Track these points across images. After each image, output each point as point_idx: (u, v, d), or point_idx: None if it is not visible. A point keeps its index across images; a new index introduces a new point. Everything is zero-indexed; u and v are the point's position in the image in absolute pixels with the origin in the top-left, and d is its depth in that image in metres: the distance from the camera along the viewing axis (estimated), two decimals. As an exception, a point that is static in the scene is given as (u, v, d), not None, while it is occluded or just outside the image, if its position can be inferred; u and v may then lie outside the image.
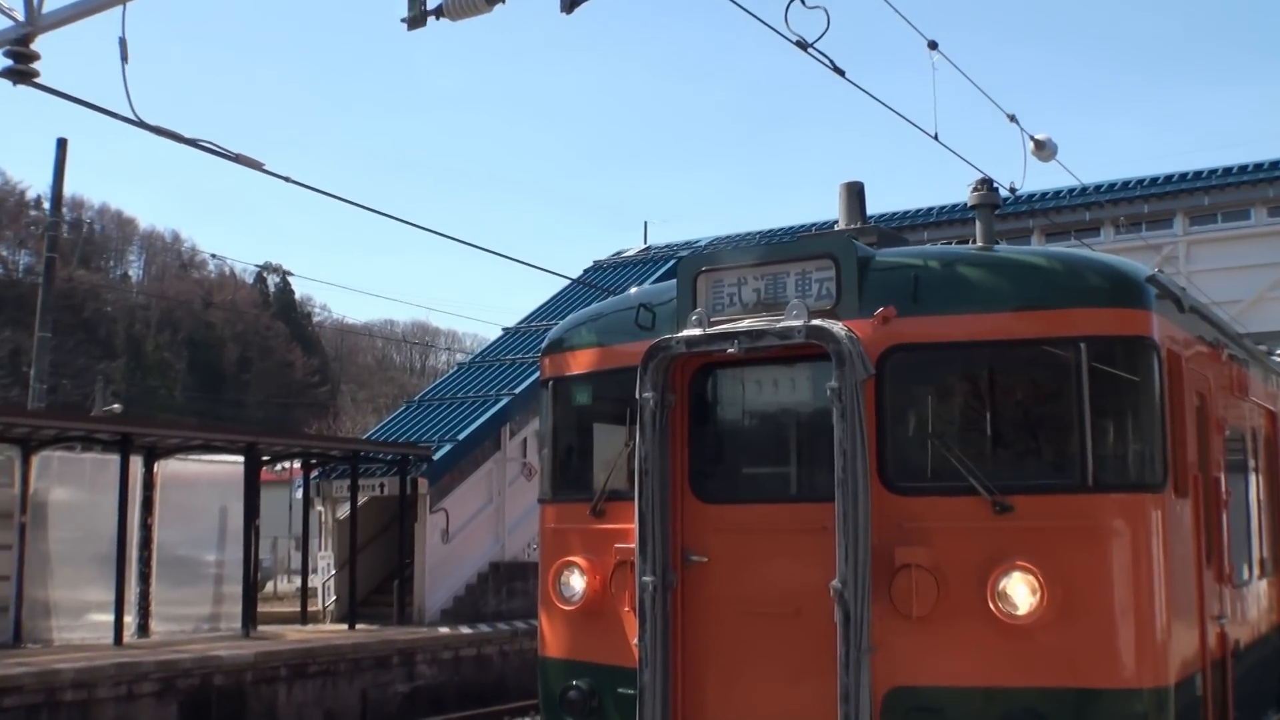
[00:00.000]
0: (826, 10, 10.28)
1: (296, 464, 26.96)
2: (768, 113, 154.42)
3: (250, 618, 21.43)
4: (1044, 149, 16.26)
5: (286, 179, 11.87)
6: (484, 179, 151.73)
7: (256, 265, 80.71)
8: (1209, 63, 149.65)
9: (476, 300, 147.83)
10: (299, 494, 27.07)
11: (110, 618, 19.40)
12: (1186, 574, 7.77)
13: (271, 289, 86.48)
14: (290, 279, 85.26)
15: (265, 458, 23.38)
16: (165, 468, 21.74)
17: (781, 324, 7.77)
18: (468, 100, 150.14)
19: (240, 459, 22.02)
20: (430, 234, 14.91)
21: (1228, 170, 28.85)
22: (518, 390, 26.66)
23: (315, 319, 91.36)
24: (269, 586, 36.49)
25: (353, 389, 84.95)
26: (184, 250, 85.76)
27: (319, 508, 26.18)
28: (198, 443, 22.02)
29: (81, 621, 20.14)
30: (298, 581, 28.17)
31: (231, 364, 77.55)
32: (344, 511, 25.44)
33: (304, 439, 30.30)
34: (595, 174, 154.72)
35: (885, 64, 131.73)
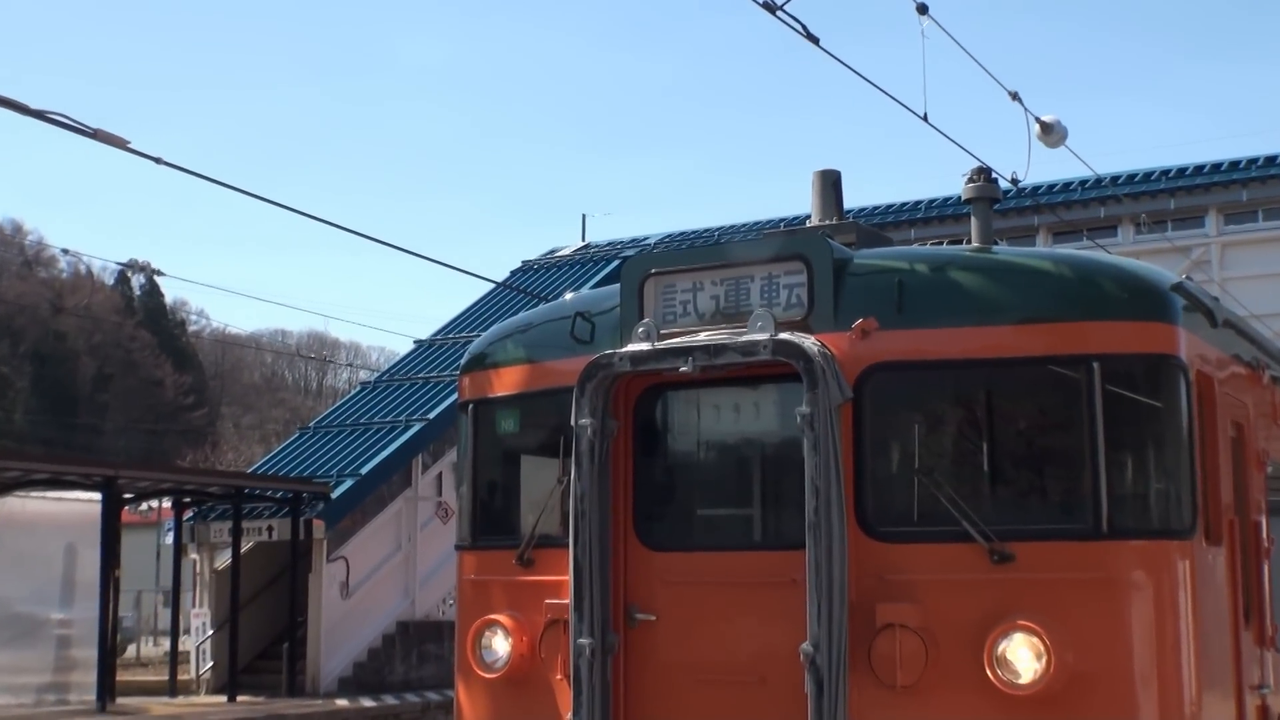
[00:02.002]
0: (799, -33, 10.39)
1: (166, 503, 26.70)
2: (728, 88, 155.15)
3: (107, 688, 21.15)
4: (1052, 133, 16.43)
5: (157, 160, 11.81)
6: (394, 164, 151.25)
7: (119, 263, 79.93)
8: (1246, 36, 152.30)
9: (384, 307, 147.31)
10: (169, 539, 26.79)
11: (-66, 688, 19.08)
12: (1220, 636, 7.86)
13: (137, 292, 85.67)
14: (160, 280, 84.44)
15: (128, 495, 23.13)
16: (3, 506, 21.43)
17: (744, 337, 7.80)
18: (372, 73, 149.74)
19: (96, 496, 21.76)
20: (329, 227, 14.82)
21: (1270, 160, 29.28)
22: (432, 415, 26.59)
23: (190, 328, 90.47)
24: (131, 650, 36.04)
25: (235, 413, 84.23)
26: (28, 245, 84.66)
27: (193, 555, 25.95)
28: (44, 476, 21.74)
29: (-102, 693, 19.78)
30: (166, 645, 27.84)
31: (87, 382, 76.60)
32: (223, 560, 25.23)
33: (175, 472, 29.99)
34: (524, 159, 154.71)
35: (867, 31, 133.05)
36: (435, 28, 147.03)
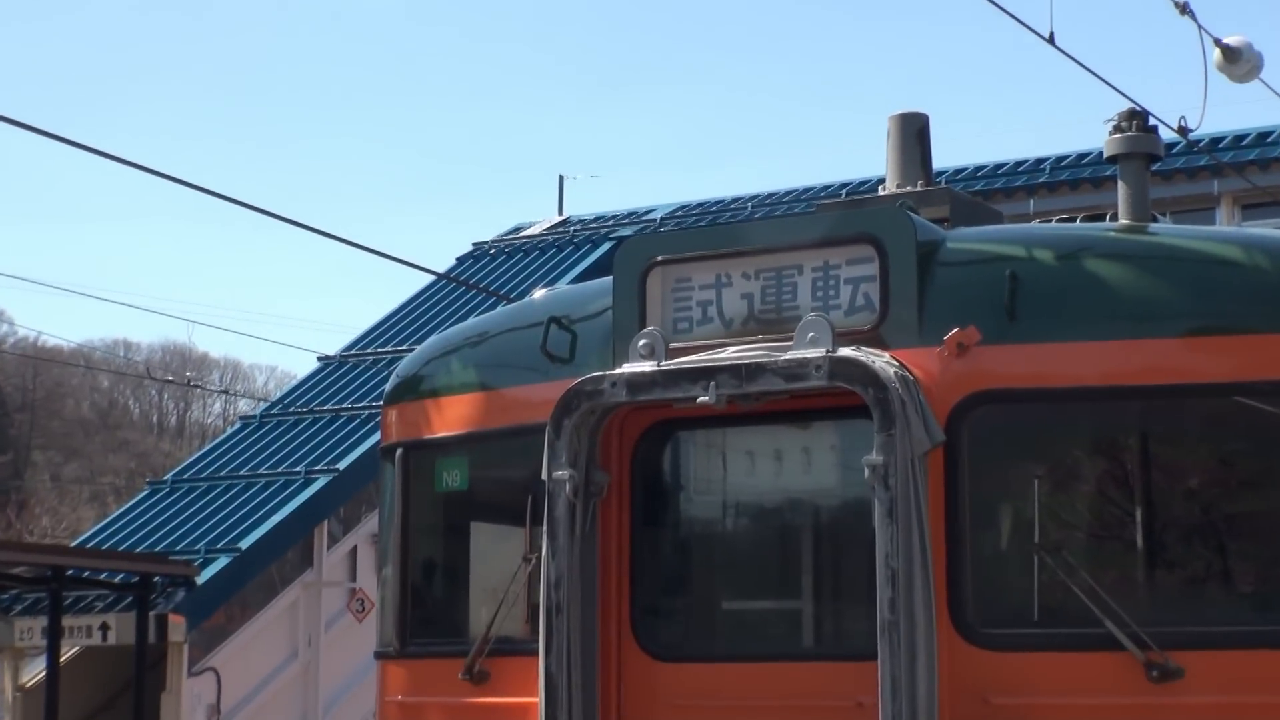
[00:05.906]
0: None
1: (-49, 591, 26.67)
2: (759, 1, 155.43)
3: None
4: (1238, 61, 16.43)
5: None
6: (288, 106, 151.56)
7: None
8: None
9: (274, 309, 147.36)
10: (-44, 642, 26.78)
11: None
12: None
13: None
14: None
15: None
16: None
17: (789, 355, 7.82)
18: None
19: None
20: (194, 192, 14.75)
21: None
22: (343, 465, 26.60)
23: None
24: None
25: (53, 460, 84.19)
26: None
27: (-9, 665, 25.94)
28: None
29: None
30: (-48, 794, 27.82)
31: None
32: (34, 672, 25.20)
33: (-35, 547, 29.99)
34: (477, 101, 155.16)
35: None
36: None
